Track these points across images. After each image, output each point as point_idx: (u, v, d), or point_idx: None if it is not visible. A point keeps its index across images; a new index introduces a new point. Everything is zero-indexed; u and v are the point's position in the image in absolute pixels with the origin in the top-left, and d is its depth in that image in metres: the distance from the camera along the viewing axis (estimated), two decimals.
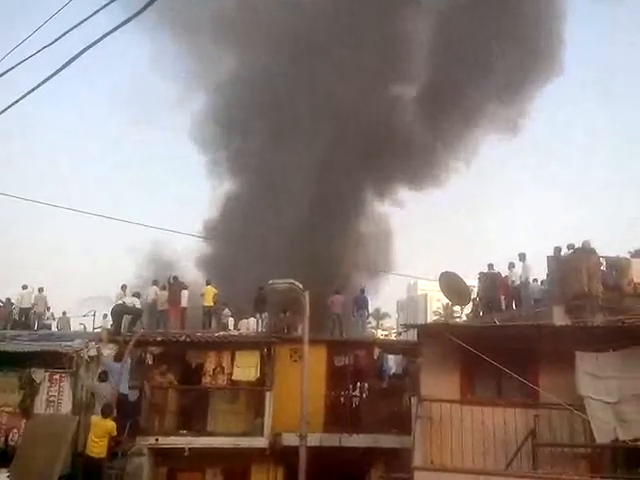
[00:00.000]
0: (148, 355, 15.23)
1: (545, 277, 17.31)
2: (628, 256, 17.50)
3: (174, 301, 19.25)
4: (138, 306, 17.33)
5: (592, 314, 14.03)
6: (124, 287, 19.66)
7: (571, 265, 15.48)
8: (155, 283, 19.80)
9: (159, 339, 15.53)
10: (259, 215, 27.37)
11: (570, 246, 16.20)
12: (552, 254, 16.35)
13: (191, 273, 26.33)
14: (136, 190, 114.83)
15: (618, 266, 16.00)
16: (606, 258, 16.09)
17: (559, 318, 13.93)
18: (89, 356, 14.26)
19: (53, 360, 14.13)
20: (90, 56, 6.21)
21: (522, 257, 18.38)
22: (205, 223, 30.41)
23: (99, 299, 22.59)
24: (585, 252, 15.79)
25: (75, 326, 21.78)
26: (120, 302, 17.54)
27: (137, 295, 18.06)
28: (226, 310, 19.61)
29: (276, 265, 20.43)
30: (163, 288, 19.53)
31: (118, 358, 14.56)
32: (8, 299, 21.07)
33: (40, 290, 21.07)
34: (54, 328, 20.82)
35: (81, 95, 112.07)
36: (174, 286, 19.73)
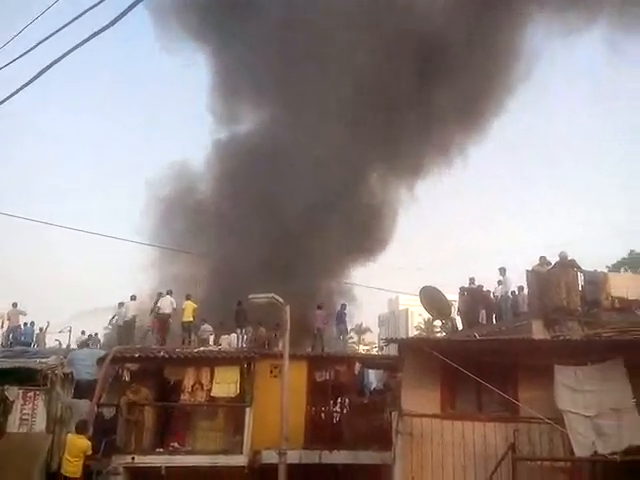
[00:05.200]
0: (125, 372, 14.96)
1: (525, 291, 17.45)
2: (606, 270, 17.77)
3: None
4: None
5: (571, 328, 14.16)
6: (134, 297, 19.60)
7: (550, 279, 15.65)
8: (133, 298, 19.58)
9: (136, 355, 15.26)
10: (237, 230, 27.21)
11: (544, 261, 16.43)
12: (531, 268, 16.52)
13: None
14: None
15: (596, 280, 16.20)
16: (584, 272, 16.30)
17: (538, 332, 14.03)
18: (64, 373, 13.99)
19: (28, 377, 13.86)
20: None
21: (502, 271, 18.55)
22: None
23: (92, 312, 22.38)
24: (563, 265, 16.00)
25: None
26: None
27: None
28: (206, 325, 19.40)
29: (254, 279, 20.35)
30: None
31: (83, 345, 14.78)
32: None
33: (14, 305, 20.69)
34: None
35: None
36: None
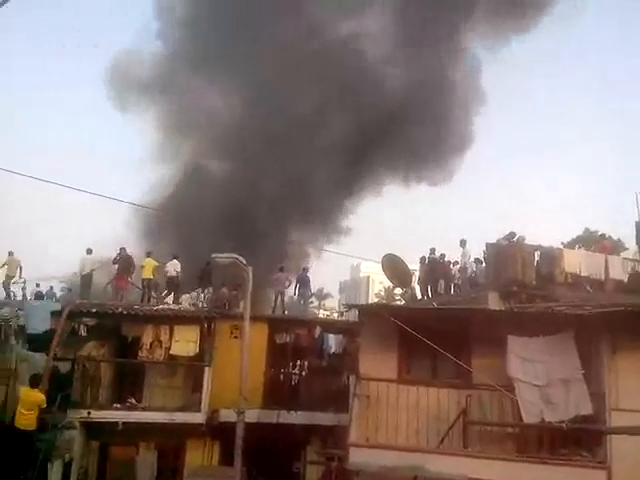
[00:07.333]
0: (82, 327, 14.77)
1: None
2: (561, 247, 18.29)
3: (123, 273, 18.82)
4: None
5: (525, 301, 14.63)
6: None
7: (507, 253, 16.06)
8: (89, 252, 19.14)
9: (94, 310, 15.05)
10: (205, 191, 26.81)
11: (511, 236, 16.82)
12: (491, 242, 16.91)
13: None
14: None
15: (551, 256, 16.72)
16: (540, 248, 16.79)
17: (494, 303, 14.44)
18: (18, 325, 13.72)
19: None
20: None
21: (463, 243, 18.88)
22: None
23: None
24: (520, 243, 16.45)
25: None
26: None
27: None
28: (175, 261, 19.21)
29: (220, 240, 20.22)
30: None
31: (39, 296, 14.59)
32: None
33: (10, 253, 19.66)
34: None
35: None
36: (122, 258, 19.16)
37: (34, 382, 12.23)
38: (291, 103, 26.98)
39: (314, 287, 23.81)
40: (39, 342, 13.71)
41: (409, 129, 28.25)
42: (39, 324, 13.83)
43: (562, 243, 19.39)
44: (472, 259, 18.31)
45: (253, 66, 27.42)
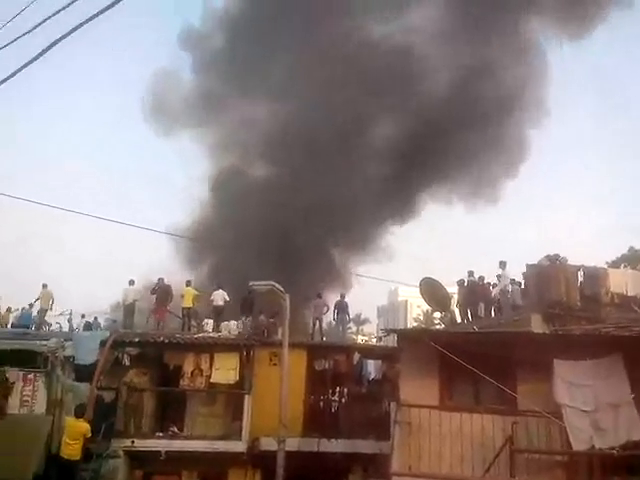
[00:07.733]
0: (125, 356, 15.05)
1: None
2: (605, 266, 17.79)
3: (161, 303, 19.17)
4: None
5: (569, 323, 14.23)
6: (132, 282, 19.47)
7: (550, 274, 15.71)
8: (132, 283, 19.58)
9: (136, 340, 15.34)
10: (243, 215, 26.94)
11: (554, 258, 16.45)
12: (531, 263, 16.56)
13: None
14: None
15: (595, 276, 16.26)
16: (584, 268, 16.36)
17: (537, 326, 14.09)
18: (64, 356, 14.06)
19: (29, 359, 13.91)
20: None
21: (502, 265, 18.54)
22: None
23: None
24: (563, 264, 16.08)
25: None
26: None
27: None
28: (220, 291, 19.38)
29: (260, 264, 20.31)
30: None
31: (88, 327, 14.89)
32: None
33: (44, 286, 20.31)
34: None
35: None
36: (161, 288, 19.53)
37: (79, 412, 12.47)
38: (334, 114, 26.08)
39: (352, 312, 23.58)
40: (84, 372, 14.01)
41: (456, 141, 26.93)
42: (87, 355, 14.16)
43: (606, 262, 18.85)
44: (508, 280, 17.96)
45: (293, 76, 27.03)
